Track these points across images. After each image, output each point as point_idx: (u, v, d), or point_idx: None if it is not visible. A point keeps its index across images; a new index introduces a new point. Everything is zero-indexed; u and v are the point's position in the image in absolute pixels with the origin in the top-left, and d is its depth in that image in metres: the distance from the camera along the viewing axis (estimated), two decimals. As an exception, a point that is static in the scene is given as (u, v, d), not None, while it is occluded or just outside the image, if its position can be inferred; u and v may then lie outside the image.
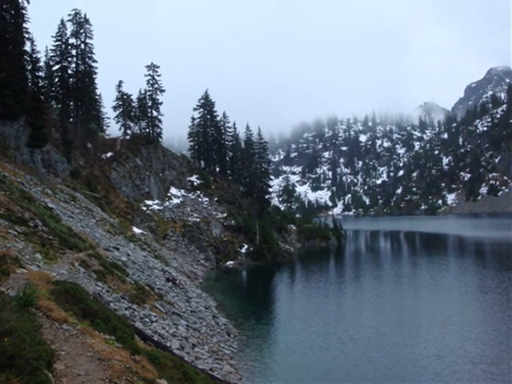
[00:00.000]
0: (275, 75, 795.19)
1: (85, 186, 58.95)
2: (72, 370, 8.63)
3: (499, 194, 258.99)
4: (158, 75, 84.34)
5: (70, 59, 67.53)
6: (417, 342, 30.86)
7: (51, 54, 66.97)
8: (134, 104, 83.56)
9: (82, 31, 68.42)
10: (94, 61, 70.59)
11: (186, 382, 15.58)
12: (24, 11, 50.88)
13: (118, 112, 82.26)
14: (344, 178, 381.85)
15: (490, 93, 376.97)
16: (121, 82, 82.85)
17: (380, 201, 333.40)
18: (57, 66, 66.60)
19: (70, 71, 67.63)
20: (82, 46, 68.60)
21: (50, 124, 60.16)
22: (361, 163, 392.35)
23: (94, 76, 71.90)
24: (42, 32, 73.00)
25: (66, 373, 8.47)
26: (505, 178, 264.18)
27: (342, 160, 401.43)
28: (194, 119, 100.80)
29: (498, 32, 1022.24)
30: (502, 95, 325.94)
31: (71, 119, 68.38)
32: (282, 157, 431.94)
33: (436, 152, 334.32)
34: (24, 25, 51.55)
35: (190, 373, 16.91)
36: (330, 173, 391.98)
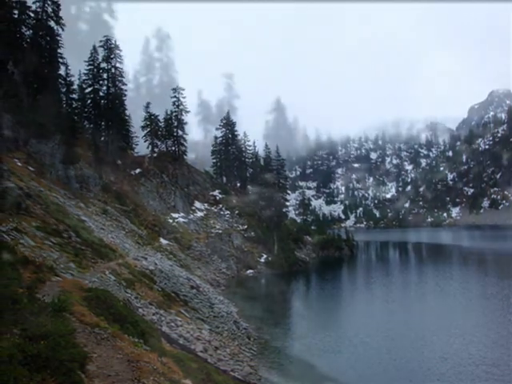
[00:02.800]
0: (291, 97, 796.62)
1: (115, 200, 59.27)
2: (103, 371, 8.47)
3: (500, 208, 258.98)
4: (183, 97, 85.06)
5: (101, 82, 68.35)
6: (423, 344, 30.42)
7: (84, 78, 67.89)
8: (160, 124, 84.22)
9: (112, 56, 69.38)
10: (124, 83, 71.49)
11: (209, 382, 15.38)
12: (58, 38, 51.51)
13: (145, 131, 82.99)
14: (356, 192, 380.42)
15: (492, 113, 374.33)
16: (148, 103, 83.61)
17: (389, 214, 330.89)
18: (89, 89, 67.42)
19: (101, 93, 68.45)
20: (113, 69, 69.51)
21: (83, 142, 60.85)
22: (371, 179, 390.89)
23: (124, 98, 72.64)
24: (76, 57, 74.52)
25: (98, 374, 8.33)
26: (505, 192, 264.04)
27: (354, 176, 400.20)
28: (216, 138, 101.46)
29: (499, 56, 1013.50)
30: (503, 115, 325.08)
31: (102, 138, 69.04)
32: (298, 173, 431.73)
33: (441, 168, 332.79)
34: (58, 50, 52.12)
35: (213, 373, 16.71)
36: (343, 188, 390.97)
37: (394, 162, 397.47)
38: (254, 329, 35.97)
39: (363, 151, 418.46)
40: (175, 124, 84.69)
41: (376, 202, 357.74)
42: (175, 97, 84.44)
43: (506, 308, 40.45)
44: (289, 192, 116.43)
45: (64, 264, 22.64)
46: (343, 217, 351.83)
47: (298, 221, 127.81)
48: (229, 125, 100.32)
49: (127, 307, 19.53)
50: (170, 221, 69.67)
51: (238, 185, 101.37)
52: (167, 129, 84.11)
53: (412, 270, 73.32)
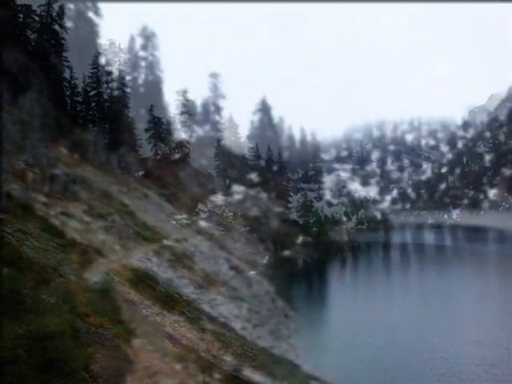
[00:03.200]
0: (325, 83, 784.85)
1: (156, 185, 60.21)
2: (147, 346, 8.70)
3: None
4: (220, 83, 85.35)
5: (140, 70, 68.50)
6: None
7: (122, 67, 67.38)
8: (197, 109, 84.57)
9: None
10: (161, 71, 71.50)
11: (248, 358, 15.58)
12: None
13: (183, 117, 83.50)
14: (391, 174, 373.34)
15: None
16: (185, 89, 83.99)
17: (425, 195, 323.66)
18: (128, 77, 66.95)
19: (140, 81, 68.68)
20: (150, 57, 69.75)
21: (126, 130, 61.72)
22: (407, 161, 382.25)
23: (161, 85, 72.71)
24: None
25: (143, 348, 8.55)
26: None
27: (389, 158, 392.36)
28: (252, 122, 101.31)
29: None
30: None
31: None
32: (333, 156, 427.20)
33: (478, 150, 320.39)
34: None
35: (252, 350, 16.90)
36: (378, 170, 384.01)
37: (430, 143, 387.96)
38: (291, 308, 36.12)
39: (399, 133, 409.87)
40: (212, 109, 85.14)
41: (411, 183, 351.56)
42: (212, 83, 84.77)
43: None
44: (324, 174, 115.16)
45: (109, 246, 23.25)
46: (378, 199, 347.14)
47: (335, 203, 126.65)
48: (265, 109, 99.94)
49: (169, 287, 19.92)
50: (209, 204, 70.33)
51: (276, 168, 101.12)
52: (204, 114, 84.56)
53: (447, 254, 71.71)
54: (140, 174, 58.25)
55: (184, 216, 56.65)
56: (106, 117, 62.36)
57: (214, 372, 8.48)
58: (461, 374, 23.25)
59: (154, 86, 70.14)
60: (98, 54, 65.99)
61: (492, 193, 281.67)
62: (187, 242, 41.21)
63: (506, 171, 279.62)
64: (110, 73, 57.95)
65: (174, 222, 48.39)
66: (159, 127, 72.16)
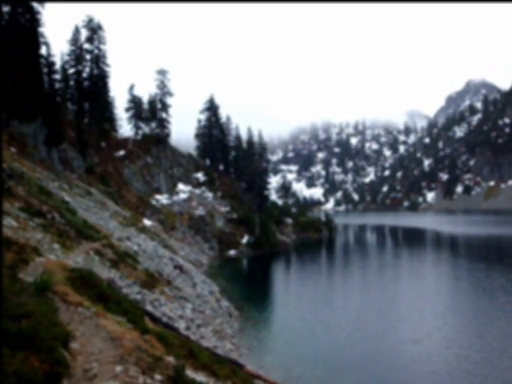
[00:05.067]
0: (274, 83, 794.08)
1: (99, 182, 58.67)
2: (86, 348, 8.42)
3: (472, 193, 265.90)
4: (168, 80, 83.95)
5: (84, 63, 66.38)
6: (396, 328, 30.78)
7: (66, 58, 65.82)
8: (144, 106, 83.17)
9: (95, 37, 67.39)
10: (107, 65, 69.56)
11: (191, 358, 15.45)
12: (39, 16, 48.56)
13: (129, 114, 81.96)
14: (336, 176, 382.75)
15: (468, 102, 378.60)
16: (132, 85, 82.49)
17: (368, 197, 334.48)
18: (72, 70, 65.43)
19: (84, 75, 66.55)
20: (96, 51, 67.56)
21: (66, 124, 59.74)
22: (351, 163, 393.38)
23: (107, 79, 70.78)
24: (58, 37, 72.33)
25: (81, 351, 8.27)
26: (478, 179, 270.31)
27: (334, 160, 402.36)
28: (200, 121, 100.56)
29: (478, 46, 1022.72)
30: (479, 105, 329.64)
31: (86, 120, 67.58)
32: (280, 156, 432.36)
33: (418, 155, 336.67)
34: (39, 29, 49.25)
35: (195, 350, 16.77)
36: (323, 172, 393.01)
37: (374, 147, 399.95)
38: (236, 307, 36.24)
39: (344, 136, 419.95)
40: (159, 107, 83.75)
41: (355, 185, 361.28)
42: (160, 79, 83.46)
43: (477, 291, 41.27)
44: (270, 175, 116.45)
45: (48, 245, 22.36)
46: (323, 200, 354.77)
47: (280, 203, 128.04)
48: (212, 108, 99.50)
49: (111, 287, 19.44)
50: (154, 202, 69.33)
51: (222, 167, 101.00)
52: (151, 111, 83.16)
53: (387, 253, 74.34)
54: (83, 170, 56.53)
55: (128, 214, 55.49)
56: (45, 110, 60.09)
57: (156, 373, 8.30)
58: (397, 368, 24.07)
59: (100, 81, 68.04)
60: (77, 31, 64.13)
61: (430, 196, 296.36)
62: (130, 241, 40.39)
63: (443, 176, 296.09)
64: (51, 64, 55.89)
65: (117, 221, 47.26)
66: (103, 123, 70.33)
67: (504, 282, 43.76)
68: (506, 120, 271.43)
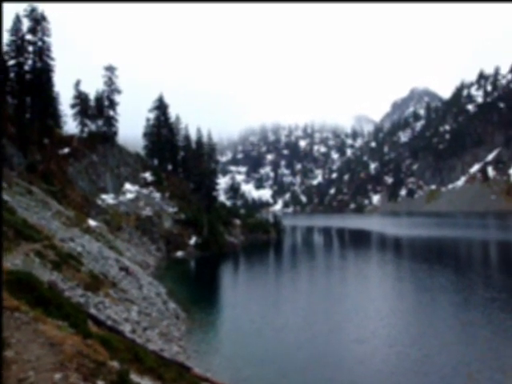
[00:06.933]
0: (225, 84, 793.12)
1: (41, 180, 56.38)
2: (22, 356, 7.96)
3: (415, 196, 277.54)
4: (116, 77, 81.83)
5: (26, 55, 63.08)
6: (342, 328, 31.35)
7: (6, 49, 62.18)
8: (91, 103, 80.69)
9: (39, 28, 64.20)
10: (52, 59, 66.56)
11: (136, 362, 15.08)
12: None
13: (75, 110, 79.31)
14: (284, 178, 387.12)
15: (412, 109, 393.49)
16: (79, 81, 79.83)
17: (315, 199, 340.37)
18: (12, 62, 62.08)
19: (26, 67, 63.35)
20: (40, 43, 64.31)
21: (6, 118, 57.07)
22: (299, 166, 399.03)
23: (51, 73, 67.69)
24: None
25: (16, 359, 7.80)
26: (420, 182, 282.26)
27: (283, 162, 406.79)
28: (148, 120, 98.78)
29: (422, 56, 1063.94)
30: (422, 111, 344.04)
31: (28, 115, 64.52)
32: (229, 157, 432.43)
33: (365, 158, 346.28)
34: None
35: (141, 354, 16.40)
36: (272, 173, 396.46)
37: (322, 150, 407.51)
38: (183, 309, 35.82)
39: (292, 139, 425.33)
40: (107, 104, 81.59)
41: (303, 188, 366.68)
42: (107, 76, 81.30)
43: (418, 291, 42.75)
44: (219, 176, 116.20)
45: (-17, 245, 21.20)
46: (271, 201, 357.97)
47: (228, 204, 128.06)
48: (161, 107, 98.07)
49: (52, 290, 18.68)
50: (100, 202, 67.43)
51: (170, 168, 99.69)
52: (98, 108, 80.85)
53: (334, 254, 75.74)
54: (23, 167, 54.16)
55: (72, 214, 53.69)
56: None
57: (98, 379, 7.98)
58: (343, 368, 24.49)
59: (43, 75, 65.10)
60: (18, 21, 60.52)
61: (375, 198, 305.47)
62: (74, 242, 39.05)
63: (388, 179, 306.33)
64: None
65: (60, 221, 45.59)
66: (46, 119, 67.62)
67: (444, 281, 45.59)
68: (447, 127, 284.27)
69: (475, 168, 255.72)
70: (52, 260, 27.55)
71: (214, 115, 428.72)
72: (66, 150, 69.33)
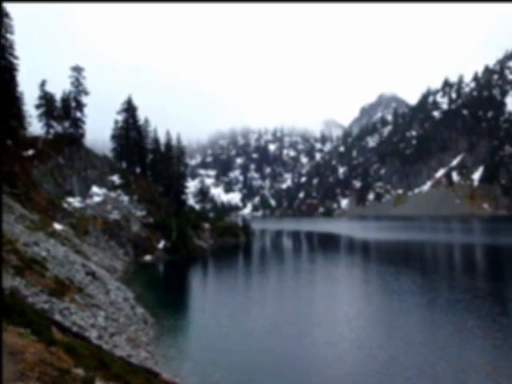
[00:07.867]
0: (193, 85, 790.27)
1: (4, 183, 54.73)
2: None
3: (383, 200, 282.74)
4: (83, 78, 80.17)
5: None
6: (310, 331, 31.40)
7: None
8: (57, 104, 78.80)
9: (1, 25, 61.98)
10: (15, 57, 64.48)
11: (102, 369, 14.70)
12: None
13: (40, 111, 77.35)
14: (253, 182, 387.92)
15: (380, 114, 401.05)
16: (44, 81, 77.88)
17: (284, 203, 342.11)
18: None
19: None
20: (2, 40, 62.12)
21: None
22: (269, 169, 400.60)
23: (15, 72, 65.50)
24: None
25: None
26: (388, 186, 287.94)
27: (252, 166, 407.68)
28: (117, 122, 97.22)
29: (390, 62, 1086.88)
30: (390, 117, 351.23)
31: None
32: (198, 161, 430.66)
33: (333, 162, 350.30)
34: None
35: (107, 360, 16.01)
36: (242, 177, 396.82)
37: (291, 154, 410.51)
38: (151, 314, 35.30)
39: (262, 142, 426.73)
40: (73, 105, 79.91)
41: (272, 191, 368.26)
42: (74, 77, 79.62)
43: (387, 293, 43.32)
44: (188, 179, 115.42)
45: None
46: (241, 205, 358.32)
47: (197, 208, 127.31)
48: (130, 109, 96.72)
49: (14, 296, 18.09)
50: (66, 205, 65.92)
51: (138, 170, 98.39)
52: (65, 109, 79.07)
53: (303, 258, 76.11)
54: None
55: (36, 218, 52.29)
56: None
57: (62, 388, 7.70)
58: (312, 371, 24.53)
59: (6, 73, 63.04)
60: None
61: (344, 202, 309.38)
62: (39, 247, 38.00)
63: (356, 183, 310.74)
64: None
65: (24, 225, 44.31)
66: (9, 119, 65.69)
67: (411, 284, 46.36)
68: (413, 132, 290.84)
69: (440, 173, 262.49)
70: (14, 265, 26.74)
71: (182, 118, 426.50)
72: (31, 152, 67.56)
